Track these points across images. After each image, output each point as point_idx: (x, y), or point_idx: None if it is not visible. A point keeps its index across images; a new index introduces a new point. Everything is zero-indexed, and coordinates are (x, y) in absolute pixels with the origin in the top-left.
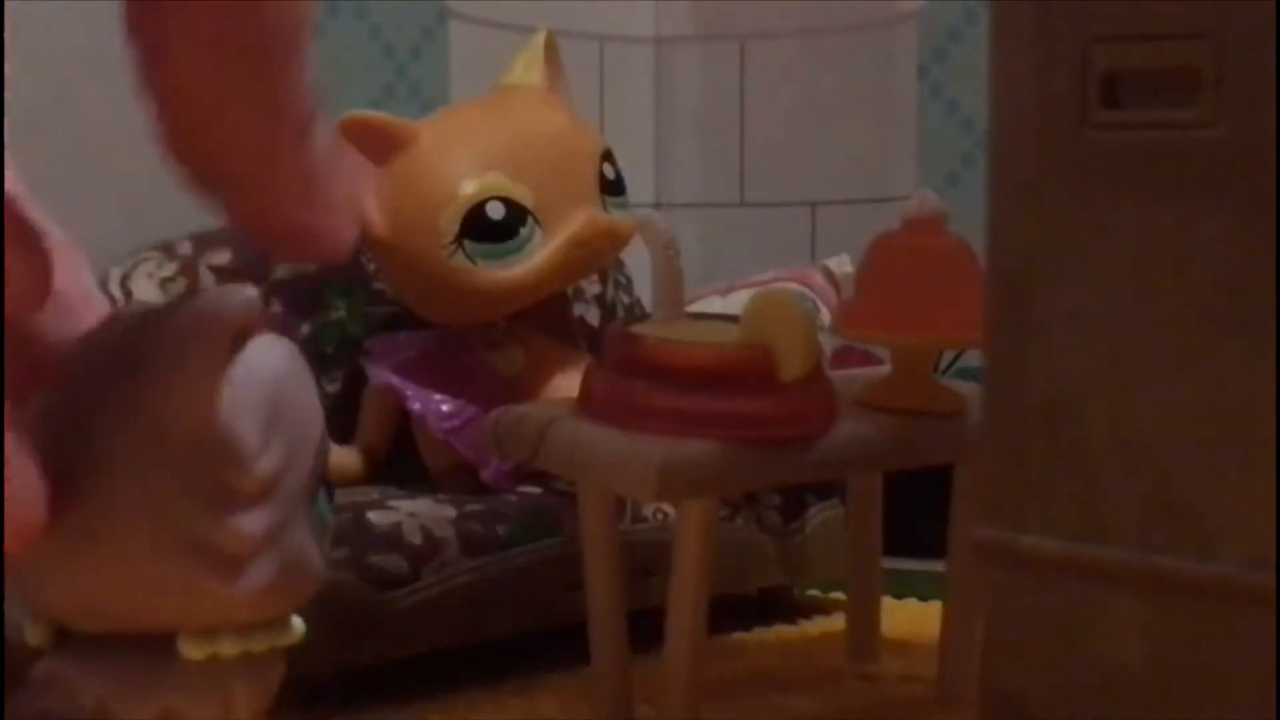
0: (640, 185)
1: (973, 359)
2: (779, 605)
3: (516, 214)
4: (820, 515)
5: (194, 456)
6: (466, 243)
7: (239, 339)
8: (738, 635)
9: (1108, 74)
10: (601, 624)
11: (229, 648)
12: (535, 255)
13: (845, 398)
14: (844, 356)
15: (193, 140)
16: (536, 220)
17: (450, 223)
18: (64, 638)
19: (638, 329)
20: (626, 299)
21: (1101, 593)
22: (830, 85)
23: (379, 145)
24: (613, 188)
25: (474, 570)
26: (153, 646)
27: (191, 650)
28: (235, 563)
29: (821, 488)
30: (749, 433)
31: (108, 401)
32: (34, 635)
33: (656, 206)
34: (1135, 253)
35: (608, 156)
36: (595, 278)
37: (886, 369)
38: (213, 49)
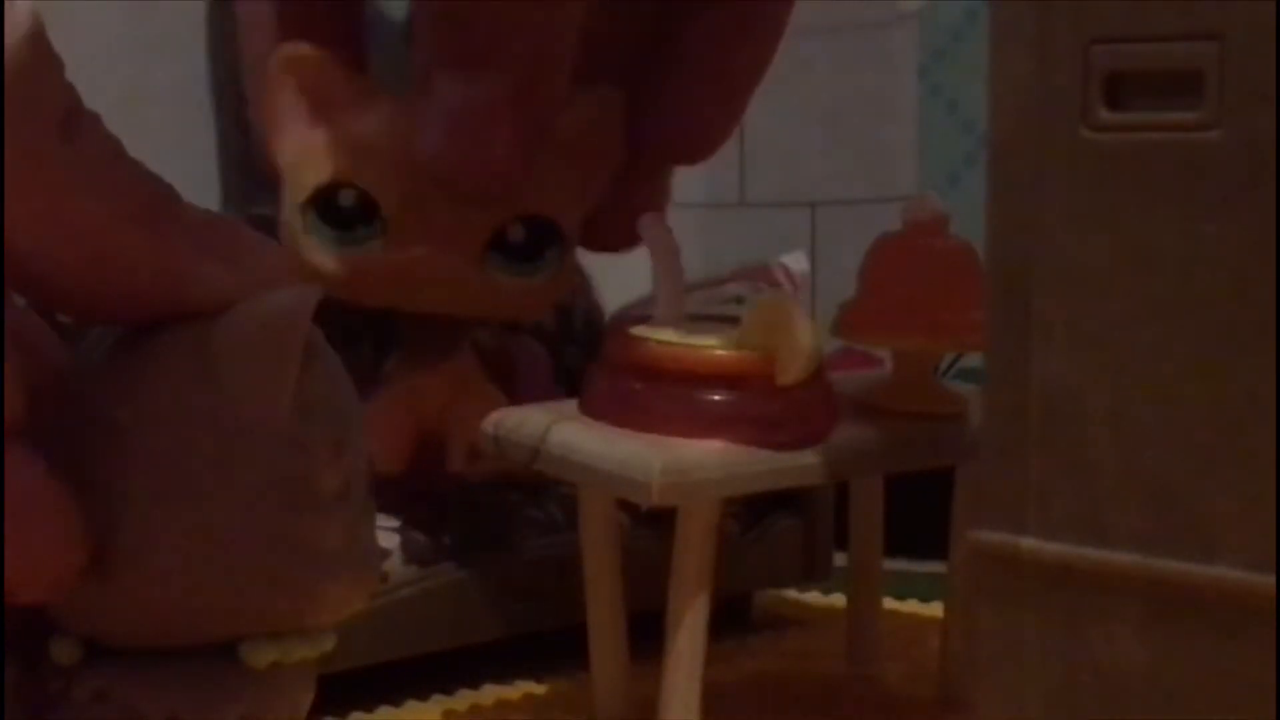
0: None
1: (973, 360)
2: (779, 608)
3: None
4: (778, 523)
5: (280, 454)
6: None
7: (308, 337)
8: (737, 638)
9: (1109, 75)
10: (601, 628)
11: (292, 653)
12: None
13: (845, 400)
14: (844, 358)
15: None
16: None
17: None
18: (96, 654)
19: (638, 330)
20: (584, 304)
21: (1102, 595)
22: (830, 85)
23: (322, 94)
24: None
25: (417, 581)
26: (209, 658)
27: (256, 657)
28: (329, 558)
29: (781, 495)
30: (750, 435)
31: (174, 407)
32: (62, 652)
33: None
34: (1137, 254)
35: None
36: None
37: (887, 371)
38: None
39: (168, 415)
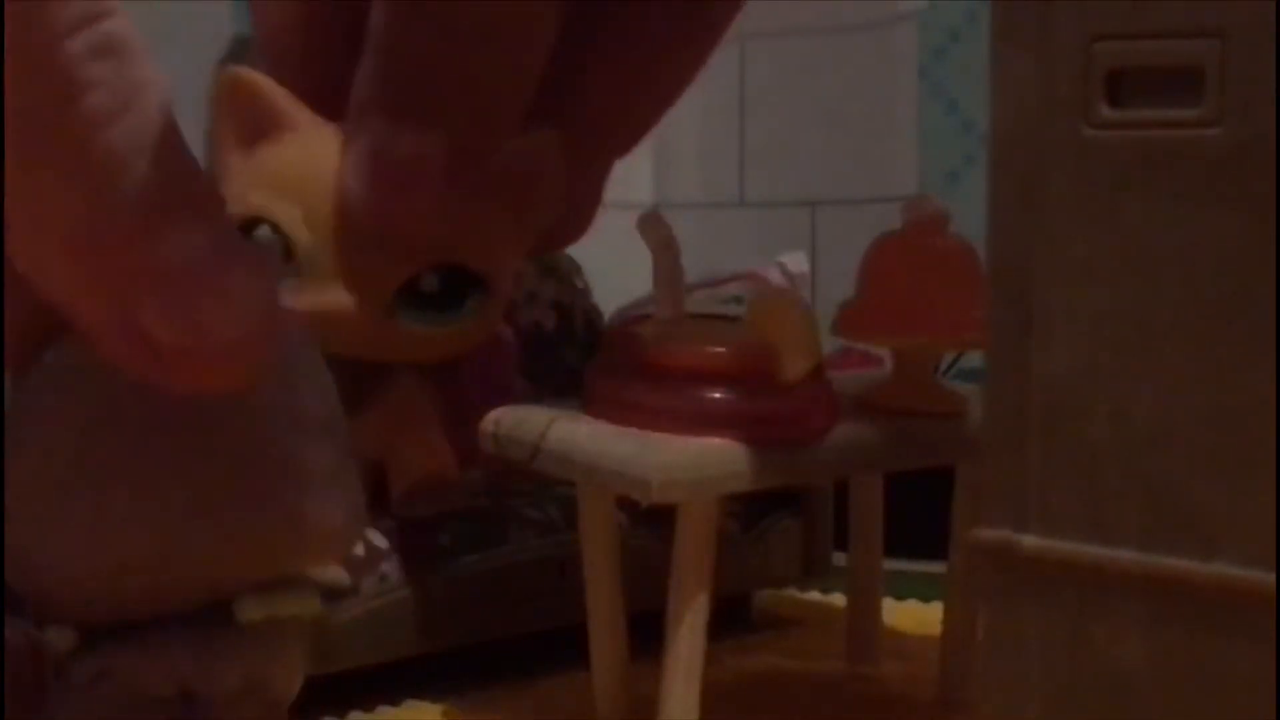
0: (640, 185)
1: (973, 359)
2: (779, 608)
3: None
4: (778, 523)
5: (273, 399)
6: None
7: (305, 356)
8: (737, 638)
9: (1111, 72)
10: (601, 628)
11: (282, 607)
12: None
13: (845, 399)
14: (844, 358)
15: None
16: None
17: None
18: (92, 636)
19: (638, 329)
20: (584, 304)
21: (1102, 593)
22: (830, 85)
23: (257, 121)
24: None
25: (415, 582)
26: (205, 625)
27: (249, 611)
28: (321, 488)
29: (780, 495)
30: (750, 433)
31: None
32: (59, 639)
33: (656, 206)
34: (1138, 252)
35: None
36: (549, 279)
37: (887, 370)
38: None
39: (144, 393)
